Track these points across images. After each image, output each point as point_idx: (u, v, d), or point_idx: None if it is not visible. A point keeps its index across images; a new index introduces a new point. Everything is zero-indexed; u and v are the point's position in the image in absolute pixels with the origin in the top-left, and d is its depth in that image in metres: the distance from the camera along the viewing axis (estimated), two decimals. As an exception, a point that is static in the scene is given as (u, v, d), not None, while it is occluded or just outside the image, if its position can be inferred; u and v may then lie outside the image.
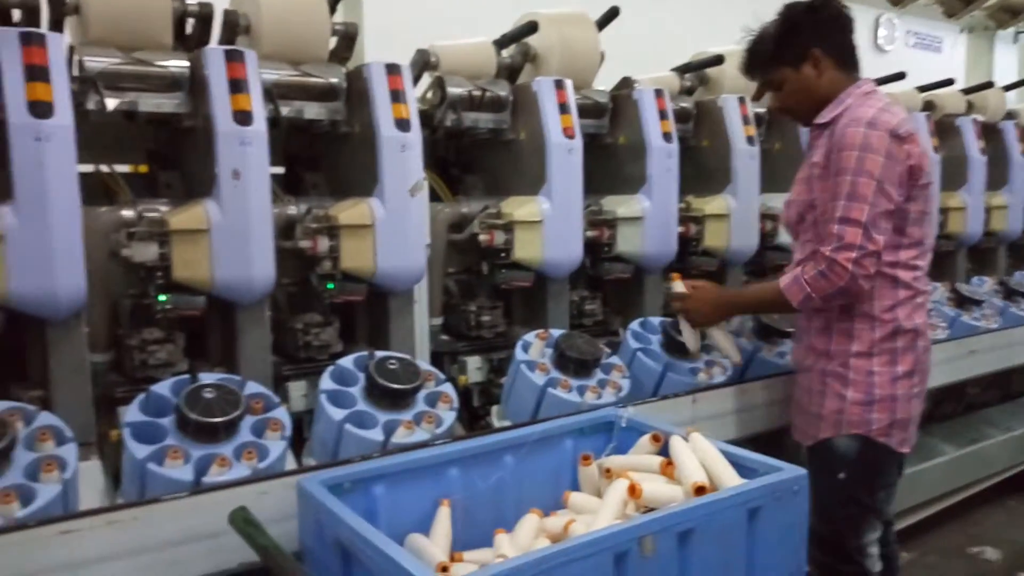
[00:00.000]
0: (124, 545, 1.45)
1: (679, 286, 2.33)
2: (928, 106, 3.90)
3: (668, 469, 1.48)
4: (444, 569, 1.23)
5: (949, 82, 4.03)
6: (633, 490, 1.38)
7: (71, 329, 1.98)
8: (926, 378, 2.13)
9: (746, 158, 3.12)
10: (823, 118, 2.07)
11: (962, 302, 3.48)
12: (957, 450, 3.54)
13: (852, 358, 2.03)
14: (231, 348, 2.29)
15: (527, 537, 1.41)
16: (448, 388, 2.20)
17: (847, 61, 2.10)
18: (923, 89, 3.95)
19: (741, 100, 3.14)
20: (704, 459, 1.46)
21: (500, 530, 1.40)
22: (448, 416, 2.10)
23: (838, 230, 1.91)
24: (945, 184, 3.75)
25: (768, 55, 2.11)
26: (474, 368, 2.75)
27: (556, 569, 1.14)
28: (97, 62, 2.12)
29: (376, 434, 1.98)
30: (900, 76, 3.59)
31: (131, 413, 1.81)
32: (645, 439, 1.60)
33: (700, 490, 1.38)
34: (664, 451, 1.54)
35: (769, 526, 1.39)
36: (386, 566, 1.16)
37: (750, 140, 3.13)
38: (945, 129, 3.88)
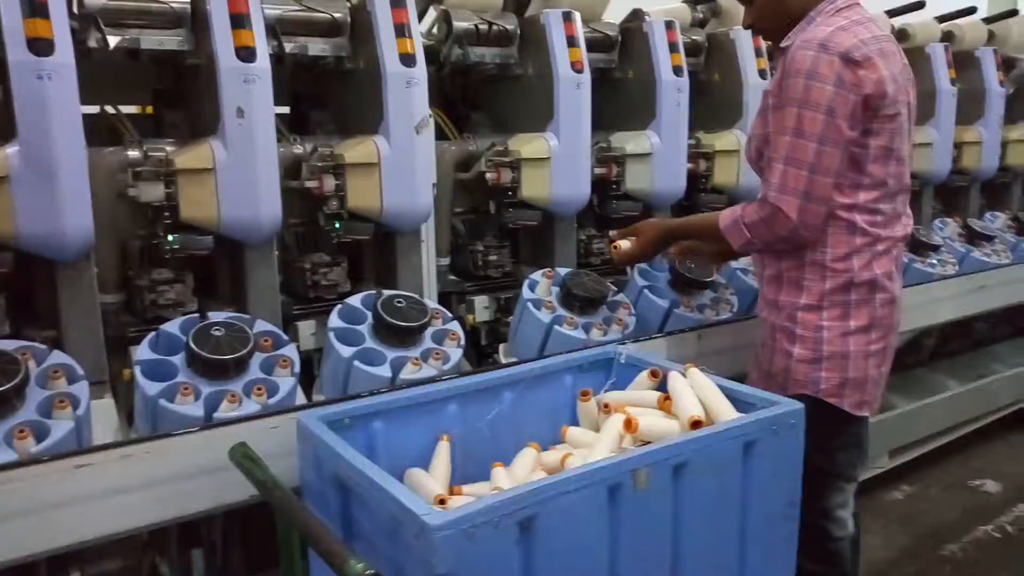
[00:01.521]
0: (137, 478, 1.50)
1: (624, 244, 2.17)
2: (947, 36, 3.79)
3: (666, 404, 1.50)
4: (442, 502, 1.27)
5: (971, 11, 3.90)
6: (629, 424, 1.40)
7: (80, 270, 2.00)
8: (889, 334, 1.90)
9: (758, 92, 3.05)
10: (786, 41, 1.82)
11: (973, 238, 3.45)
12: (961, 386, 3.57)
13: (800, 311, 1.84)
14: (240, 287, 2.32)
15: (524, 470, 1.44)
16: (455, 326, 2.22)
17: None
18: (943, 19, 3.83)
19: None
20: (701, 394, 1.48)
21: (497, 464, 1.42)
22: (455, 353, 2.13)
23: (781, 171, 1.72)
24: (962, 118, 3.68)
25: None
26: (481, 307, 2.76)
27: (550, 500, 1.16)
28: (98, -1, 2.09)
29: (384, 371, 2.01)
30: (920, 5, 3.48)
31: (142, 351, 1.85)
32: (643, 375, 1.62)
33: (696, 424, 1.40)
34: (663, 387, 1.56)
35: (764, 460, 1.41)
36: (383, 500, 1.19)
37: (762, 74, 3.06)
38: (964, 60, 3.77)
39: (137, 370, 1.80)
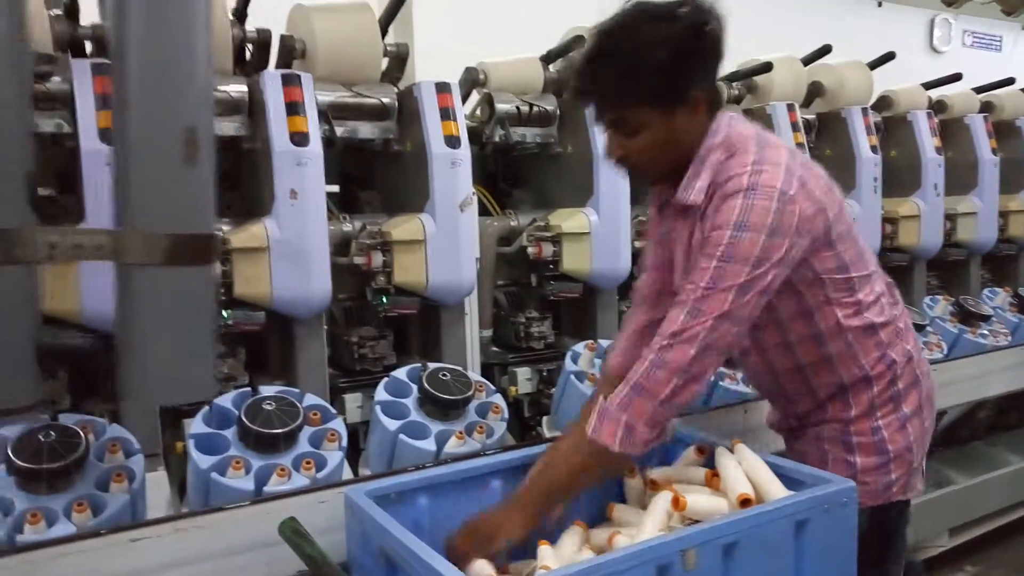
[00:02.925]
0: (189, 553, 1.51)
1: None
2: (986, 107, 3.81)
3: (713, 481, 1.48)
4: (491, 581, 1.26)
5: (1009, 81, 3.92)
6: (677, 502, 1.38)
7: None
8: (934, 401, 1.74)
9: (797, 165, 3.09)
10: (691, 191, 1.50)
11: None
12: (1023, 461, 3.43)
13: (852, 424, 1.64)
14: (290, 361, 2.37)
15: (571, 549, 1.42)
16: (498, 399, 2.23)
17: (716, 102, 1.55)
18: (980, 90, 3.86)
19: (790, 107, 3.12)
20: (749, 471, 1.45)
21: (544, 542, 1.41)
22: (499, 426, 2.14)
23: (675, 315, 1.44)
24: (1006, 187, 3.66)
25: (639, 88, 1.45)
26: (524, 379, 2.78)
27: (599, 581, 1.15)
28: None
29: (429, 444, 2.02)
30: (956, 78, 3.52)
31: (195, 425, 1.88)
32: (690, 451, 1.60)
33: (745, 502, 1.38)
34: (709, 463, 1.54)
35: (817, 539, 1.37)
36: (430, 577, 1.19)
37: (800, 147, 3.10)
38: (1005, 130, 3.78)
39: (190, 443, 1.83)
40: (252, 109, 2.30)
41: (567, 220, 2.76)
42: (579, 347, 2.49)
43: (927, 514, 3.04)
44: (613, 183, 2.74)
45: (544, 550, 1.37)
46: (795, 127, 3.11)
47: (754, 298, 1.41)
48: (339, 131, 2.48)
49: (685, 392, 1.43)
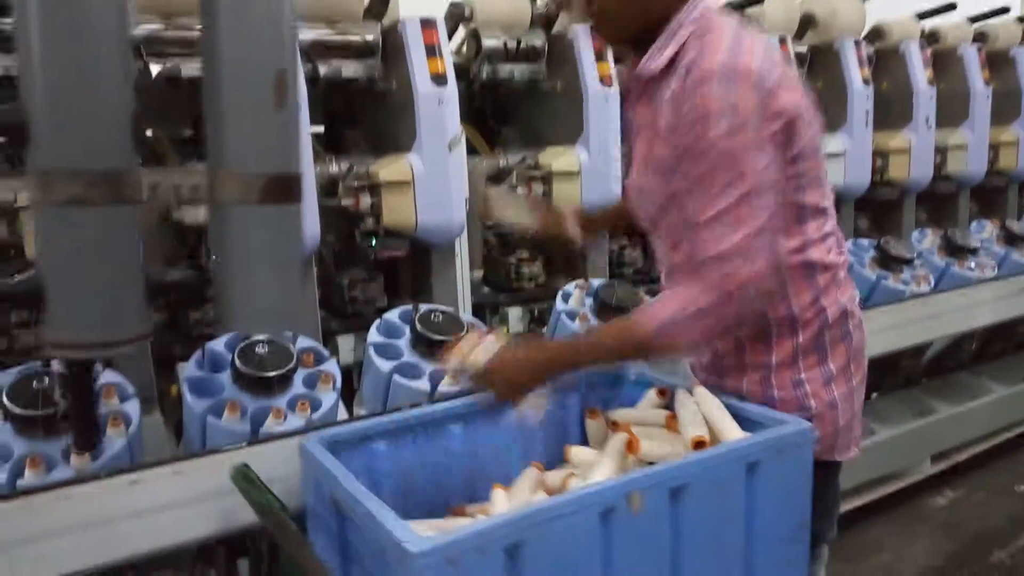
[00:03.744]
0: (188, 493, 1.55)
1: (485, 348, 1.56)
2: (980, 37, 3.72)
3: (672, 423, 1.46)
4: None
5: (1004, 10, 3.81)
6: (631, 445, 1.38)
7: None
8: (864, 359, 1.62)
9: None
10: (653, 61, 1.42)
11: (1012, 239, 3.36)
12: (1007, 388, 3.50)
13: (773, 373, 1.54)
14: (281, 304, 2.41)
15: (525, 492, 1.40)
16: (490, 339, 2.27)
17: None
18: (975, 19, 3.76)
19: (782, 40, 3.07)
20: (707, 413, 1.44)
21: (498, 485, 1.38)
22: (491, 366, 2.16)
23: (719, 233, 1.36)
24: (998, 118, 3.61)
25: None
26: (515, 319, 2.82)
27: (539, 526, 1.13)
28: (140, 29, 2.19)
29: (423, 384, 2.04)
30: (951, 7, 3.43)
31: (189, 369, 1.92)
32: (651, 393, 1.58)
33: (699, 444, 1.36)
34: (671, 405, 1.53)
35: (769, 481, 1.35)
36: (371, 524, 1.16)
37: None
38: (999, 60, 3.70)
39: (184, 387, 1.87)
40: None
41: (557, 159, 2.76)
42: (570, 287, 2.48)
43: (910, 442, 3.13)
44: (604, 121, 2.73)
45: (497, 493, 1.37)
46: (787, 60, 3.07)
47: (771, 196, 1.36)
48: (322, 70, 2.45)
49: (751, 304, 1.40)
